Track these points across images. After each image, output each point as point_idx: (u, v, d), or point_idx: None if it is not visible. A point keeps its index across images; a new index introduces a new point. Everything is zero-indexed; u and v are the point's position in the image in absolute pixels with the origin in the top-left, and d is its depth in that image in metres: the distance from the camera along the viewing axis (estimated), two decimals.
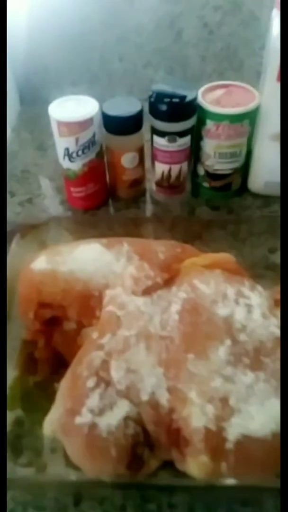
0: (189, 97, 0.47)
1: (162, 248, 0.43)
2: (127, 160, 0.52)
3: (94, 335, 0.35)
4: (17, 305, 0.41)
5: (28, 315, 0.39)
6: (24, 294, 0.40)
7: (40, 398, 0.38)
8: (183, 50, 0.68)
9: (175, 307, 0.35)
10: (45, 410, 0.34)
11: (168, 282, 0.38)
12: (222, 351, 0.33)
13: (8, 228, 0.46)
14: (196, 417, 0.30)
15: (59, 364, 0.40)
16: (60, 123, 0.47)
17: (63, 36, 0.68)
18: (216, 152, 0.51)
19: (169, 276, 0.39)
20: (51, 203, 0.57)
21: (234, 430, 0.30)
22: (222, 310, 0.35)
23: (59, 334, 0.40)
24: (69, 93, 0.50)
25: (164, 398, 0.32)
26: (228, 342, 0.33)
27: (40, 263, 0.41)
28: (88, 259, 0.41)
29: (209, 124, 0.49)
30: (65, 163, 0.51)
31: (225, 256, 0.39)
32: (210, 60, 0.70)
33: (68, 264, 0.40)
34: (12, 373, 0.39)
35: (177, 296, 0.36)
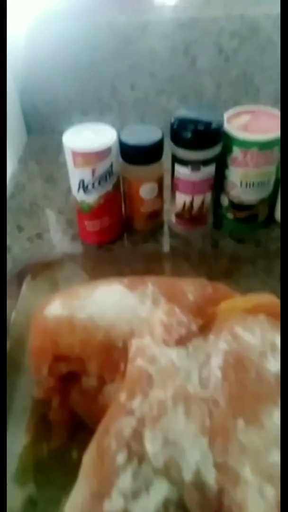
0: (215, 124, 0.43)
1: (191, 288, 0.38)
2: (146, 191, 0.48)
3: (122, 397, 0.29)
4: (29, 357, 0.36)
5: (41, 370, 0.34)
6: (37, 345, 0.35)
7: (56, 470, 0.33)
8: (198, 77, 0.66)
9: (216, 361, 0.30)
10: (62, 486, 0.29)
11: (203, 329, 0.33)
12: (277, 416, 0.28)
13: (18, 268, 0.42)
14: (253, 501, 0.25)
15: (77, 428, 0.35)
16: (75, 153, 0.43)
17: (73, 64, 0.65)
18: (242, 181, 0.47)
19: (204, 322, 0.34)
20: (62, 238, 0.53)
21: None
22: (272, 365, 0.30)
23: (77, 392, 0.34)
24: (78, 122, 0.47)
25: (211, 477, 0.26)
26: None
27: (55, 308, 0.36)
28: (109, 302, 0.36)
29: (236, 151, 0.45)
30: (80, 196, 0.47)
31: (269, 298, 0.34)
32: (225, 88, 0.67)
33: (87, 309, 0.35)
34: (22, 440, 0.34)
35: (217, 347, 0.31)
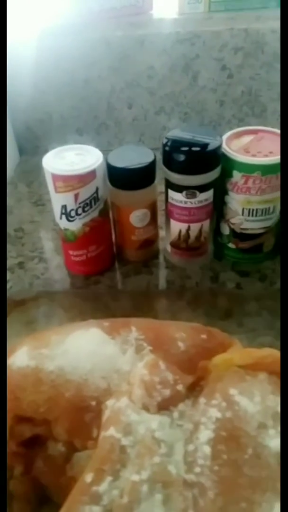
0: (211, 145, 0.38)
1: (182, 335, 0.33)
2: (137, 218, 0.44)
3: (88, 478, 0.24)
4: None
5: None
6: None
7: None
8: (200, 95, 0.62)
9: (206, 434, 0.25)
10: None
11: (193, 390, 0.28)
12: (279, 510, 0.22)
13: None
14: None
15: (43, 501, 0.29)
16: (55, 177, 0.39)
17: (68, 82, 0.62)
18: (244, 209, 0.42)
19: (194, 380, 0.28)
20: (46, 267, 0.48)
21: None
22: (274, 441, 0.24)
23: (42, 459, 0.29)
24: (73, 142, 0.43)
25: None
26: None
27: (21, 358, 0.31)
28: (83, 351, 0.31)
29: (237, 176, 0.40)
30: (62, 223, 0.42)
31: (272, 354, 0.29)
32: (229, 105, 0.63)
33: (57, 360, 0.30)
34: None
35: (207, 414, 0.26)
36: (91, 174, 0.39)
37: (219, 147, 0.39)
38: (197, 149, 0.38)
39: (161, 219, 0.47)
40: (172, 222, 0.44)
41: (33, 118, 0.66)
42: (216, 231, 0.46)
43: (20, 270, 0.48)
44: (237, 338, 0.35)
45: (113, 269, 0.48)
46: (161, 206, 0.46)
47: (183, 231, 0.44)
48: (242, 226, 0.43)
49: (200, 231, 0.44)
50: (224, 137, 0.42)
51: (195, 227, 0.43)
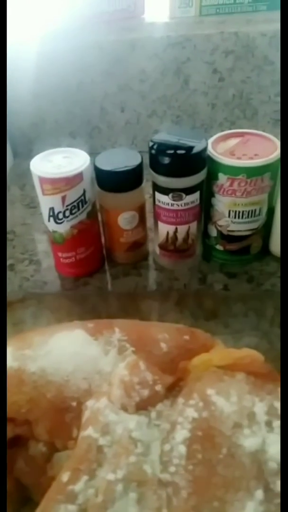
0: (196, 148, 0.39)
1: (165, 336, 0.33)
2: (125, 220, 0.44)
3: (64, 477, 0.24)
4: None
5: None
6: None
7: None
8: (191, 98, 0.62)
9: (182, 434, 0.25)
10: None
11: (173, 389, 0.28)
12: (251, 509, 0.22)
13: None
14: None
15: (24, 501, 0.30)
16: (42, 180, 0.39)
17: (61, 86, 0.63)
18: (231, 211, 0.42)
19: (174, 380, 0.29)
20: (36, 269, 0.48)
21: None
22: (249, 440, 0.24)
23: (23, 459, 0.29)
24: (66, 145, 0.43)
25: None
26: (259, 494, 0.23)
27: None
28: (66, 352, 0.31)
29: (222, 178, 0.41)
30: (51, 225, 0.42)
31: (250, 354, 0.29)
32: (220, 108, 0.63)
33: (40, 361, 0.30)
34: None
35: (184, 414, 0.26)
36: (78, 177, 0.39)
37: (204, 150, 0.39)
38: (182, 152, 0.38)
39: (150, 221, 0.47)
40: (160, 224, 0.44)
41: (27, 122, 0.66)
42: (204, 233, 0.47)
43: (10, 272, 0.48)
44: (223, 339, 0.35)
45: (102, 271, 0.48)
46: (150, 208, 0.46)
47: (171, 233, 0.44)
48: (229, 228, 0.44)
49: (188, 233, 0.44)
50: (211, 140, 0.42)
51: (182, 229, 0.44)
